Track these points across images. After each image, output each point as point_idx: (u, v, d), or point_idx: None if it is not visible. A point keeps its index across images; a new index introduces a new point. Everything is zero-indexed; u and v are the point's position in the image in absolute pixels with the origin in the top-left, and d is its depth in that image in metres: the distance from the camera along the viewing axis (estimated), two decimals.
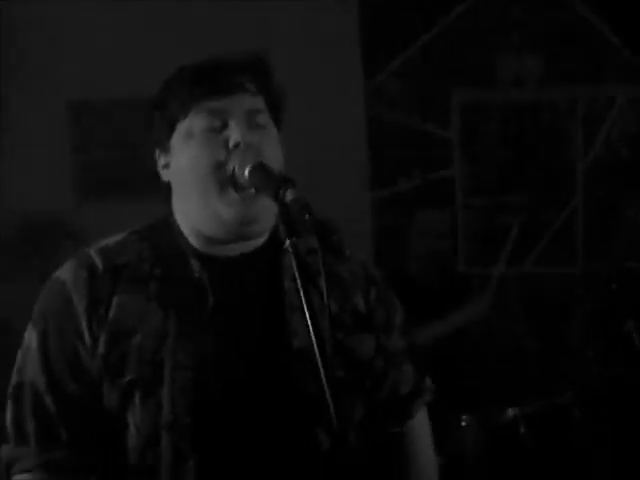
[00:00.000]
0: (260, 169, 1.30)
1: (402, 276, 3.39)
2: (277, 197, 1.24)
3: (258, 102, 1.39)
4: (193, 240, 1.40)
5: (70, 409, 1.34)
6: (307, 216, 1.19)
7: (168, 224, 1.43)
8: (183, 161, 1.37)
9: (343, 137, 3.96)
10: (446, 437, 2.79)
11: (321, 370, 1.15)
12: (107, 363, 1.34)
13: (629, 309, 3.20)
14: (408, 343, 1.51)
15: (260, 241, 1.41)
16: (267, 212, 1.35)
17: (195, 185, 1.36)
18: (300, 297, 1.19)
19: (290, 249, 1.20)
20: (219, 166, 1.33)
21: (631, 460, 3.08)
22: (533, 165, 4.13)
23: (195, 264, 1.38)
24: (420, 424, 1.52)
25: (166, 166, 1.42)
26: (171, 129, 1.39)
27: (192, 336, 1.34)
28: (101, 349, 1.34)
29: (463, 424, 2.84)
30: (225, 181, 1.33)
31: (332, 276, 1.31)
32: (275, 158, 1.37)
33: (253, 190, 1.32)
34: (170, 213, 1.44)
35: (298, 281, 1.19)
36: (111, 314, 1.35)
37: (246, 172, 1.31)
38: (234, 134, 1.34)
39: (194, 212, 1.38)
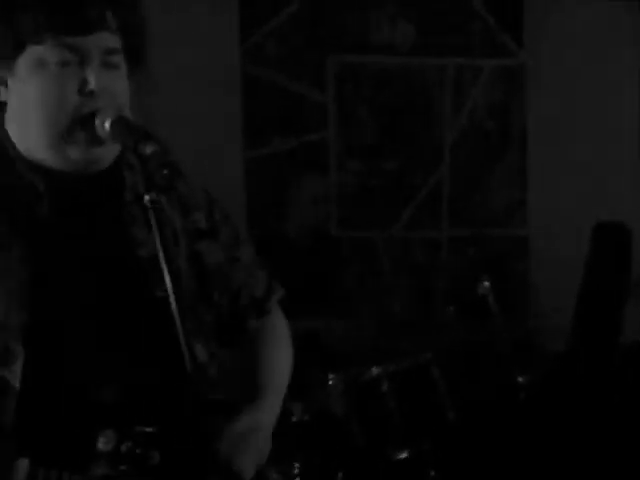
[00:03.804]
0: (121, 122, 1.29)
1: (276, 238, 3.43)
2: (136, 150, 1.23)
3: (116, 40, 1.35)
4: (28, 156, 1.36)
5: None
6: (165, 171, 1.20)
7: None
8: (31, 91, 1.32)
9: (217, 94, 3.94)
10: (313, 396, 2.90)
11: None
12: None
13: (485, 272, 3.35)
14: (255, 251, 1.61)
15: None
16: (112, 151, 1.35)
17: (41, 120, 1.32)
18: (141, 208, 1.24)
19: (149, 204, 1.21)
20: (71, 108, 1.31)
21: (487, 416, 3.29)
22: (403, 131, 4.25)
23: (28, 172, 1.35)
24: (276, 317, 1.63)
25: (2, 82, 1.35)
26: (20, 49, 1.31)
27: (26, 239, 1.31)
28: None
29: (330, 383, 2.94)
30: (74, 122, 1.31)
31: (172, 192, 1.31)
32: (124, 98, 1.35)
33: (112, 142, 1.30)
34: (1, 128, 1.38)
35: (157, 239, 1.21)
36: None
37: (107, 125, 1.29)
38: (91, 79, 1.31)
39: (35, 142, 1.34)
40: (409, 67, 4.23)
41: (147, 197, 1.21)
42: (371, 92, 4.21)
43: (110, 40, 1.34)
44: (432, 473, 2.81)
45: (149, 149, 1.22)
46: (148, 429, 1.31)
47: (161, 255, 1.21)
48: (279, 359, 1.60)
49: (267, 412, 1.51)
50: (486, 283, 3.33)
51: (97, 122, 1.30)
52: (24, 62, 1.32)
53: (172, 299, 1.20)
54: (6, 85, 1.36)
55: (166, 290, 1.21)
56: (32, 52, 1.32)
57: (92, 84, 1.31)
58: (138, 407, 1.32)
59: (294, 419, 2.80)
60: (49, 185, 1.35)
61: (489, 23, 4.31)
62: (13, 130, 1.38)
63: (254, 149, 4.06)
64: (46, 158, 1.34)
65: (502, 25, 4.32)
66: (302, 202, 3.53)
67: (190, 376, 1.21)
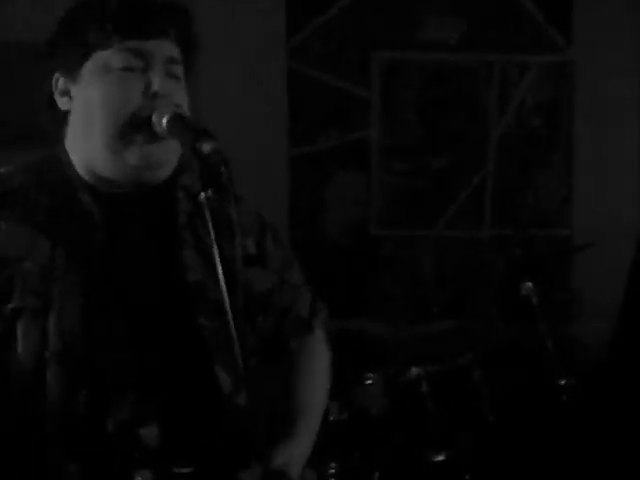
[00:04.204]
0: (179, 119, 1.30)
1: (317, 237, 3.45)
2: (194, 149, 1.22)
3: (176, 51, 1.38)
4: (86, 176, 1.38)
5: None
6: (223, 168, 1.20)
7: (57, 157, 1.39)
8: (95, 95, 1.33)
9: (264, 92, 3.96)
10: (351, 395, 2.90)
11: (227, 306, 1.18)
12: None
13: (530, 273, 3.32)
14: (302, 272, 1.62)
15: (156, 182, 1.40)
16: (170, 158, 1.36)
17: (103, 123, 1.33)
18: (193, 233, 1.25)
19: (205, 202, 1.20)
20: (134, 110, 1.32)
21: (527, 419, 3.26)
22: (448, 130, 4.22)
23: (86, 197, 1.36)
24: (318, 338, 1.64)
25: (66, 93, 1.38)
26: (86, 56, 1.34)
27: (81, 268, 1.32)
28: None
29: (369, 382, 2.95)
30: (136, 126, 1.32)
31: (225, 218, 1.32)
32: (185, 109, 1.37)
33: (169, 138, 1.30)
34: (57, 147, 1.40)
35: (212, 235, 1.20)
36: None
37: (164, 121, 1.30)
38: (155, 81, 1.33)
39: (95, 150, 1.34)
40: (455, 64, 4.20)
41: (203, 194, 1.21)
42: (416, 89, 4.19)
43: (172, 50, 1.37)
44: (467, 477, 2.80)
45: (207, 146, 1.21)
46: (185, 469, 1.32)
47: (215, 251, 1.20)
48: (315, 384, 1.61)
49: (302, 444, 1.51)
50: (529, 284, 3.30)
51: (154, 119, 1.31)
52: (89, 69, 1.35)
53: (226, 299, 1.18)
54: (69, 96, 1.38)
55: (210, 318, 1.22)
56: (98, 58, 1.35)
57: (156, 86, 1.33)
58: (176, 447, 1.33)
59: (331, 418, 2.82)
60: (103, 209, 1.36)
61: (537, 19, 4.25)
62: (74, 142, 1.39)
63: (299, 147, 4.07)
64: (104, 165, 1.35)
65: (551, 21, 4.26)
66: (344, 201, 3.53)
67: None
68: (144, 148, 1.32)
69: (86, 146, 1.36)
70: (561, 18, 4.26)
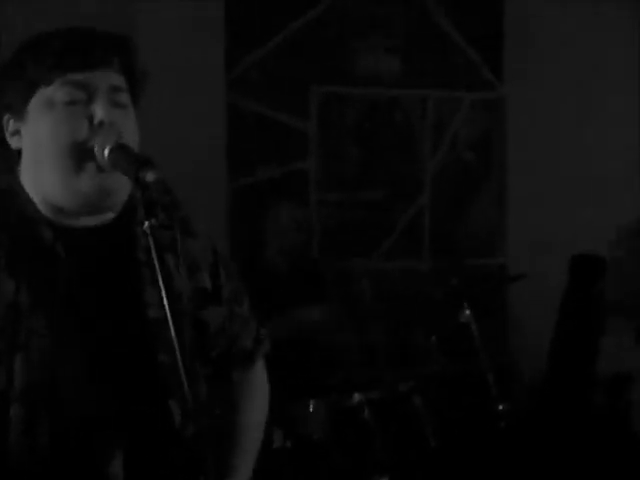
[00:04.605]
0: (120, 150, 1.30)
1: (257, 266, 3.45)
2: (137, 179, 1.23)
3: (121, 80, 1.38)
4: (44, 210, 1.38)
5: None
6: (166, 197, 1.22)
7: (13, 193, 1.39)
8: (42, 132, 1.34)
9: (202, 124, 3.97)
10: (294, 422, 2.90)
11: (175, 344, 1.20)
12: None
13: (467, 302, 3.38)
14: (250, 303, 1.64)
15: (111, 215, 1.41)
16: (123, 184, 1.35)
17: (53, 158, 1.33)
18: (152, 270, 1.23)
19: (148, 231, 1.21)
20: (79, 142, 1.32)
21: (468, 443, 3.30)
22: (384, 162, 4.29)
23: (47, 233, 1.36)
24: (258, 371, 1.67)
25: (16, 132, 1.38)
26: (30, 94, 1.35)
27: (46, 307, 1.32)
28: None
29: (311, 409, 2.94)
30: (85, 156, 1.32)
31: (182, 252, 1.35)
32: (134, 139, 1.37)
33: (111, 169, 1.31)
34: (13, 182, 1.40)
35: (155, 262, 1.21)
36: None
37: (106, 152, 1.30)
38: (99, 112, 1.33)
39: (48, 183, 1.35)
40: (391, 98, 4.29)
41: (147, 224, 1.22)
42: (353, 122, 4.26)
43: (116, 79, 1.38)
44: None
45: (150, 176, 1.22)
46: None
47: (161, 282, 1.21)
48: (252, 419, 1.65)
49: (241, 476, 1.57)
50: (467, 312, 3.36)
51: (97, 151, 1.32)
52: (34, 106, 1.36)
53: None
54: (20, 135, 1.39)
55: (168, 353, 1.23)
56: (41, 94, 1.35)
57: (100, 115, 1.34)
58: (141, 476, 1.36)
59: (275, 445, 2.80)
60: (65, 245, 1.36)
61: (470, 57, 4.38)
62: (28, 178, 1.39)
63: (238, 179, 4.08)
64: (60, 195, 1.35)
65: (483, 59, 4.40)
66: (282, 231, 3.55)
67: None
68: (96, 176, 1.33)
69: (41, 180, 1.37)
70: (492, 57, 4.41)
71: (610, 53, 4.58)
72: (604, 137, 4.53)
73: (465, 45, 4.37)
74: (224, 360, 1.58)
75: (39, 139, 1.35)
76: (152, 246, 1.21)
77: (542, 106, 4.44)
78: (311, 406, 2.94)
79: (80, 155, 1.32)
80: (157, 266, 1.21)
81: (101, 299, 1.38)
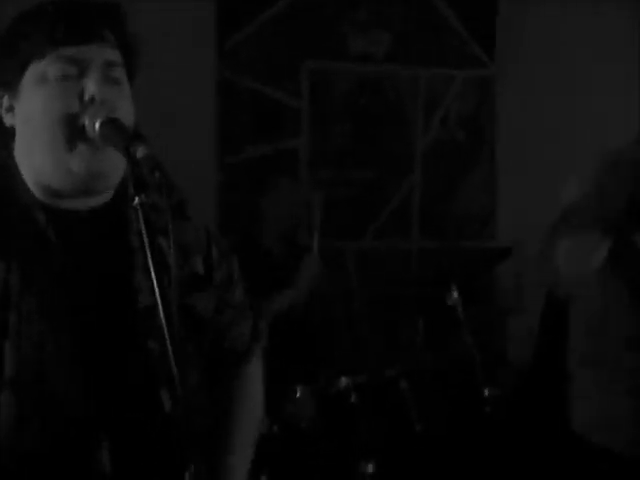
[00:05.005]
0: (111, 123, 1.28)
1: (248, 244, 3.43)
2: (127, 153, 1.22)
3: (116, 54, 1.36)
4: (37, 192, 1.37)
5: None
6: (156, 174, 1.19)
7: (8, 172, 1.37)
8: (33, 107, 1.32)
9: (192, 99, 3.93)
10: (281, 407, 2.91)
11: (165, 331, 1.18)
12: None
13: (456, 283, 3.37)
14: (245, 292, 1.62)
15: (106, 196, 1.40)
16: (116, 167, 1.34)
17: (44, 134, 1.31)
18: (144, 255, 1.21)
19: (138, 207, 1.20)
20: (71, 118, 1.30)
21: (453, 428, 3.33)
22: (375, 140, 4.26)
23: (40, 216, 1.35)
24: (254, 367, 1.65)
25: (10, 109, 1.37)
26: (23, 69, 1.33)
27: (38, 290, 1.31)
28: None
29: (297, 394, 2.95)
30: (76, 133, 1.30)
31: (174, 236, 1.31)
32: (128, 115, 1.35)
33: (102, 144, 1.29)
34: (7, 159, 1.38)
35: (145, 239, 1.20)
36: None
37: (97, 125, 1.29)
38: (90, 87, 1.31)
39: (40, 161, 1.33)
40: (383, 75, 4.25)
41: (137, 200, 1.20)
42: (344, 100, 4.23)
43: (110, 53, 1.35)
44: None
45: (141, 152, 1.21)
46: None
47: (150, 263, 1.19)
48: (249, 415, 1.63)
49: (240, 466, 1.56)
50: (455, 294, 3.36)
51: (87, 124, 1.29)
52: (27, 81, 1.34)
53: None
54: (14, 111, 1.37)
55: (158, 340, 1.21)
56: (34, 69, 1.33)
57: (91, 90, 1.31)
58: (128, 470, 1.34)
59: (262, 431, 2.81)
60: (57, 229, 1.35)
61: (462, 35, 4.34)
62: (22, 156, 1.38)
63: (229, 155, 4.05)
64: (51, 175, 1.33)
65: (474, 37, 4.36)
66: (275, 210, 3.52)
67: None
68: (89, 157, 1.31)
69: (33, 158, 1.35)
70: (484, 34, 4.37)
71: (610, 53, 4.54)
72: (591, 117, 4.51)
73: (458, 23, 4.32)
74: (217, 352, 1.57)
75: (31, 115, 1.33)
76: (142, 223, 1.20)
77: (532, 85, 4.41)
78: (298, 391, 2.95)
79: (72, 132, 1.30)
80: (147, 249, 1.20)
81: (92, 284, 1.37)
